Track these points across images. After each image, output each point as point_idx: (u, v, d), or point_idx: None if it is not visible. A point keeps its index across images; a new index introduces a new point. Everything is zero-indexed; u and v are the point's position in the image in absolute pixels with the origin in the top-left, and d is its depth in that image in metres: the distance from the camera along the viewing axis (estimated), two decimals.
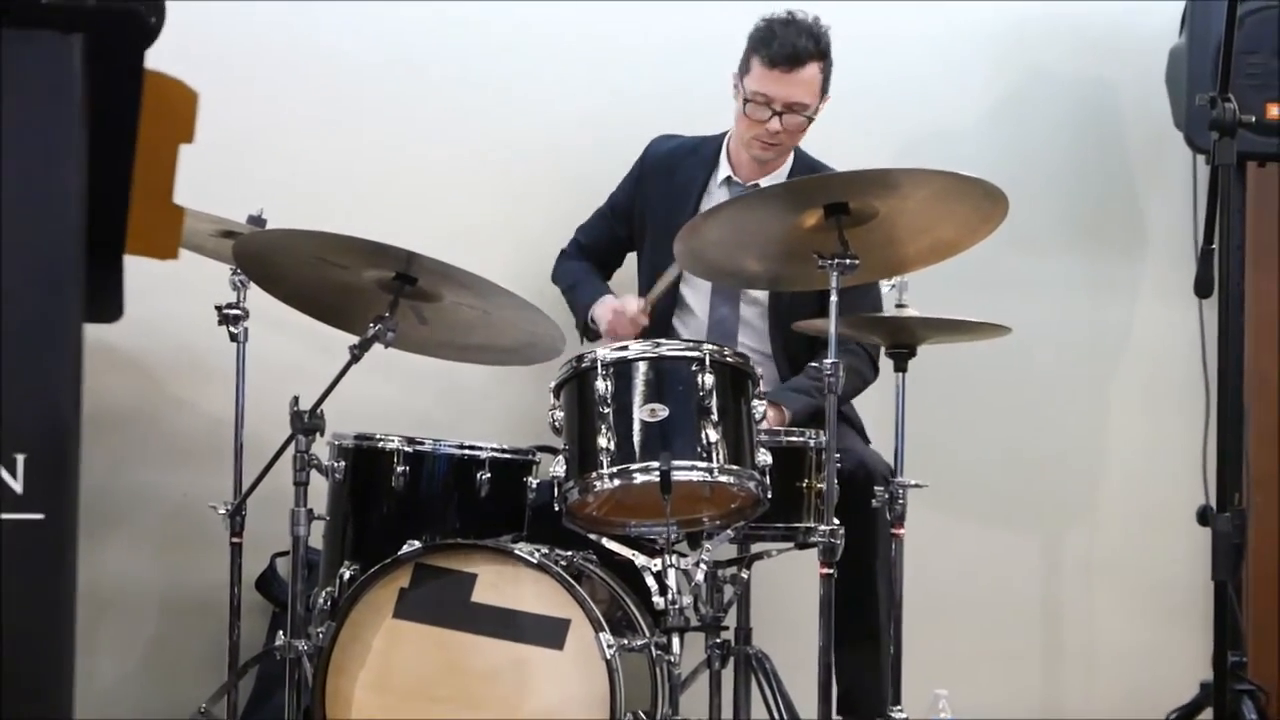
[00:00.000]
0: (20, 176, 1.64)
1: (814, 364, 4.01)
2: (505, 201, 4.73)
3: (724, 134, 4.41)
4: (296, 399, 3.54)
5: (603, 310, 4.29)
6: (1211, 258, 3.66)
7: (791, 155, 4.34)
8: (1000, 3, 4.99)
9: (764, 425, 3.57)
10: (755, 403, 3.53)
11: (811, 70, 4.13)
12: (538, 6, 4.74)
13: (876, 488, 3.81)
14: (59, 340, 1.64)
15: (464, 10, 4.72)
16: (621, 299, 4.29)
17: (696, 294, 4.35)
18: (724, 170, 4.36)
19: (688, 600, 3.43)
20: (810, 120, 4.20)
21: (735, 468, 3.43)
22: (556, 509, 3.53)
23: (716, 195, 4.33)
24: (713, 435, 3.40)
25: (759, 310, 4.33)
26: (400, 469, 3.73)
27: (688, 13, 4.79)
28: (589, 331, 4.36)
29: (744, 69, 4.20)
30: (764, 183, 4.28)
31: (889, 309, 3.84)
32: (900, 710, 3.83)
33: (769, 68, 4.12)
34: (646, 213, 4.41)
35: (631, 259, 4.55)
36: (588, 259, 4.52)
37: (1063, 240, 5.06)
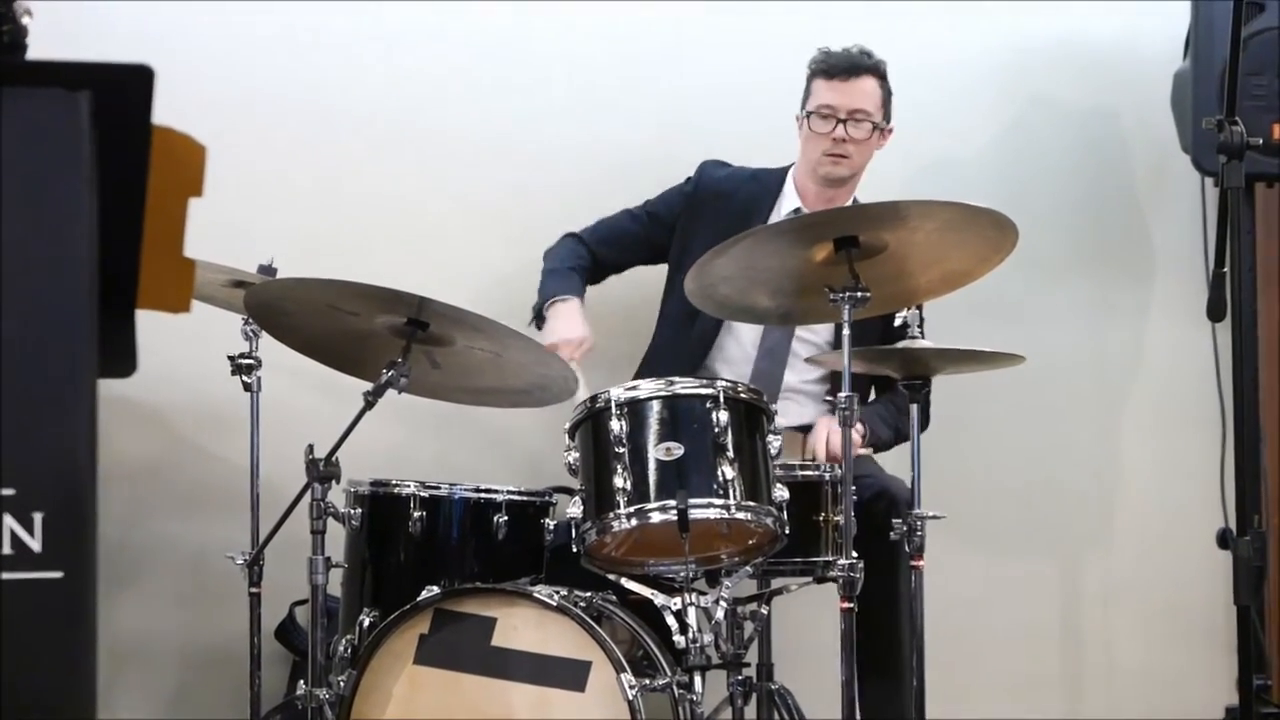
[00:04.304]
0: (30, 234, 1.64)
1: (893, 395, 4.16)
2: (512, 243, 4.72)
3: (786, 167, 4.42)
4: (311, 447, 3.53)
5: (554, 316, 4.24)
6: (1224, 281, 3.66)
7: (855, 196, 4.33)
8: (1002, 32, 5.00)
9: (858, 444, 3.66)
10: (772, 435, 3.54)
11: (870, 83, 4.25)
12: (541, 49, 4.76)
13: (895, 520, 3.81)
14: (74, 398, 1.64)
15: (467, 54, 4.74)
16: (579, 321, 4.22)
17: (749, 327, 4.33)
18: (791, 200, 4.37)
19: (708, 638, 3.44)
20: (877, 131, 4.24)
21: (752, 504, 3.42)
22: (574, 550, 3.52)
23: None
24: (729, 472, 3.40)
25: (812, 347, 4.28)
26: (417, 514, 3.73)
27: (697, 53, 4.80)
28: (540, 319, 4.28)
29: (806, 95, 4.30)
30: None
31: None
32: None
33: (828, 79, 4.24)
34: (697, 231, 4.33)
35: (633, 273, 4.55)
36: (593, 251, 4.46)
37: (1072, 266, 5.05)
